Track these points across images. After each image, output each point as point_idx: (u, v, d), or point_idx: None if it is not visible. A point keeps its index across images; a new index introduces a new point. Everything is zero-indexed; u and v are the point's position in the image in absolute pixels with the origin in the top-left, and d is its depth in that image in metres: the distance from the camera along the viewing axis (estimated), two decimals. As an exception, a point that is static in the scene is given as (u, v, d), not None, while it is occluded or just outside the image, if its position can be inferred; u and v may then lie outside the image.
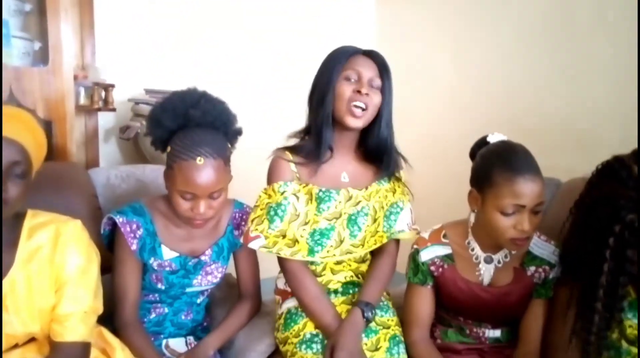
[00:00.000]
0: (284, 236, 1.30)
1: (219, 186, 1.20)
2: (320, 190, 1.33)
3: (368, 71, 1.30)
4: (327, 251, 1.32)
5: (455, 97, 2.60)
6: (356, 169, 1.39)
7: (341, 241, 1.33)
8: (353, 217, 1.34)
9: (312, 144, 1.33)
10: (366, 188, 1.37)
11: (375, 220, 1.36)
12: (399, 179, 1.43)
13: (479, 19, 2.46)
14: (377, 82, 1.31)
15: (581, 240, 1.17)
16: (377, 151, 1.37)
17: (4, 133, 0.96)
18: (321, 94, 1.31)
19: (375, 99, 1.30)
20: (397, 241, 1.43)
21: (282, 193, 1.31)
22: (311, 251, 1.31)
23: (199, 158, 1.16)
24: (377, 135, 1.35)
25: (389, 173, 1.40)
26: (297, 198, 1.32)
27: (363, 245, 1.36)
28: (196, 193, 1.18)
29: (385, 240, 1.37)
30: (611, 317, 1.10)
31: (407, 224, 1.40)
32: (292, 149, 1.37)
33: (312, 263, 1.39)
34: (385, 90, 1.32)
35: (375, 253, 1.43)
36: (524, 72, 2.25)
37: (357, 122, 1.29)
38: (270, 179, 1.35)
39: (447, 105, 2.65)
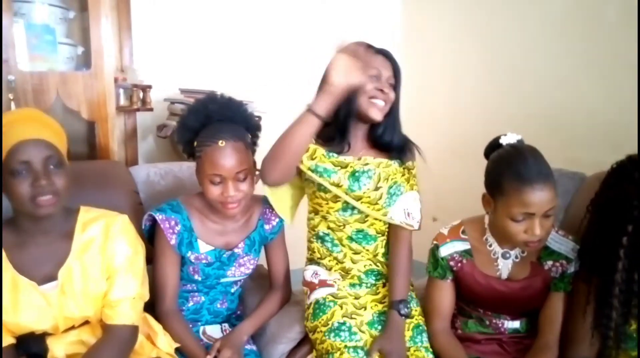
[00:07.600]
0: None
1: (243, 167, 1.29)
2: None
3: (386, 70, 1.39)
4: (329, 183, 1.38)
5: (482, 93, 2.61)
6: (368, 155, 1.44)
7: (339, 186, 1.38)
8: (357, 174, 1.39)
9: (333, 134, 1.40)
10: (375, 158, 1.43)
11: (377, 188, 1.40)
12: (410, 170, 1.47)
13: (505, 14, 2.46)
14: (392, 81, 1.40)
15: (597, 238, 1.20)
16: (392, 143, 1.43)
17: (30, 136, 1.05)
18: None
19: (392, 96, 1.39)
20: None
21: None
22: (312, 171, 1.38)
23: (220, 141, 1.26)
24: (393, 128, 1.42)
25: (401, 157, 1.45)
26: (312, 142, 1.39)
27: (360, 200, 1.39)
28: (222, 174, 1.27)
29: (380, 215, 1.40)
30: (628, 311, 1.13)
31: (404, 209, 1.42)
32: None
33: (333, 249, 1.45)
34: (398, 89, 1.41)
35: (390, 242, 1.47)
36: (551, 67, 2.25)
37: (380, 115, 1.37)
38: None
39: (474, 101, 2.66)
